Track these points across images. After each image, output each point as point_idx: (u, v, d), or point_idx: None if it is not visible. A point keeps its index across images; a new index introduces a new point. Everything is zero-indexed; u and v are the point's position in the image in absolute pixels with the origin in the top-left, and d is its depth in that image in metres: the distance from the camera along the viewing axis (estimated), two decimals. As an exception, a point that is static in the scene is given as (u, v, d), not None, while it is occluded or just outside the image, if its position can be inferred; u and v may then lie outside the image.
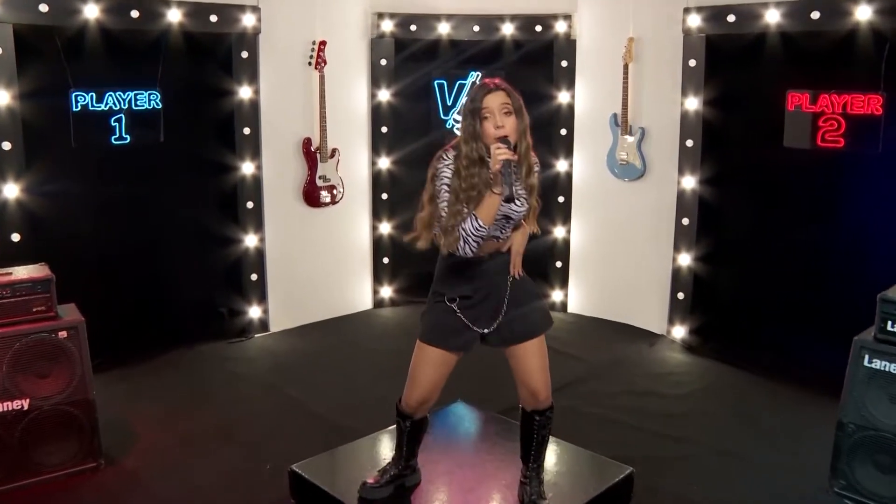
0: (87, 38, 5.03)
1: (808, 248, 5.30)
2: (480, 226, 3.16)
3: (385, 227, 6.38)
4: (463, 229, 3.19)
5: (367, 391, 5.02)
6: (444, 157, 3.32)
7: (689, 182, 5.58)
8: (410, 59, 6.32)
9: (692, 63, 5.45)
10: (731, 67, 5.45)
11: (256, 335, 5.84)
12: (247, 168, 5.64)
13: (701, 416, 4.75)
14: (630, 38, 5.74)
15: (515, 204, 3.20)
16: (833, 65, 5.03)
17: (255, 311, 5.84)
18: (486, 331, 3.43)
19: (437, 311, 3.46)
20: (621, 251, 6.13)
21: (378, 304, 6.51)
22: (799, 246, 5.32)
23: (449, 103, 6.41)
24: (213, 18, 5.33)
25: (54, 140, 5.10)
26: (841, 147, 4.98)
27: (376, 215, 6.36)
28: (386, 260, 6.44)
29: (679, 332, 5.79)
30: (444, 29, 6.17)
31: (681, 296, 5.75)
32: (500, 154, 3.13)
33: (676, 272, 5.74)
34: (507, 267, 3.46)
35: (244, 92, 5.54)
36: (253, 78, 5.55)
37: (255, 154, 5.64)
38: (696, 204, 5.57)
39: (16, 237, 4.83)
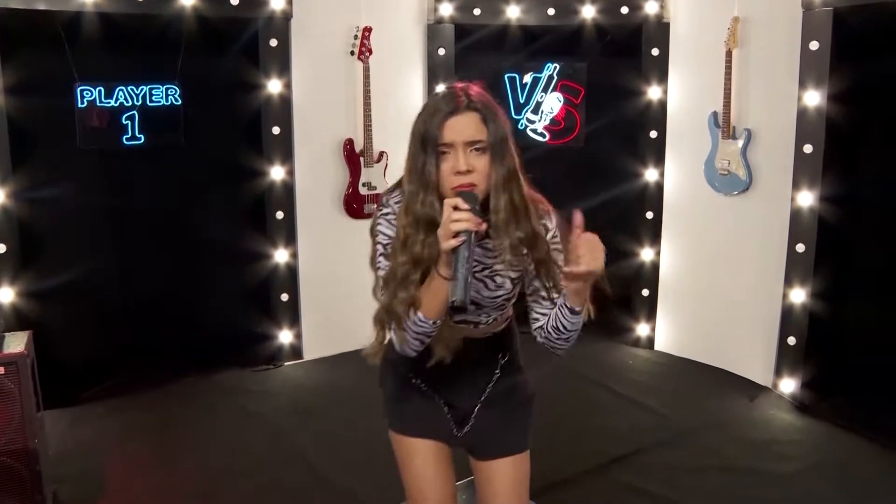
0: (92, 24, 4.23)
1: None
2: (421, 320, 2.07)
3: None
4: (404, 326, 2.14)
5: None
6: (384, 204, 2.28)
7: (807, 198, 4.24)
8: (473, 49, 5.20)
9: (814, 46, 4.11)
10: (867, 50, 4.09)
11: (286, 363, 4.91)
12: (276, 173, 4.71)
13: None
14: (735, 18, 4.44)
15: (469, 308, 2.06)
16: None
17: (285, 336, 4.91)
18: (457, 429, 2.39)
19: (391, 380, 2.48)
20: (720, 280, 4.83)
21: (433, 330, 5.52)
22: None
23: (521, 100, 5.30)
24: (234, 1, 4.42)
25: (53, 140, 4.36)
26: None
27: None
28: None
29: (788, 385, 4.45)
30: (512, 13, 5.05)
31: (792, 340, 4.41)
32: (456, 222, 1.93)
33: (787, 311, 4.40)
34: (499, 349, 2.37)
35: (273, 86, 4.62)
36: (283, 70, 4.63)
37: (287, 157, 4.72)
38: (814, 226, 4.22)
39: (0, 248, 4.09)
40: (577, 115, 5.25)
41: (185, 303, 4.87)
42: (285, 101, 4.68)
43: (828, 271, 4.29)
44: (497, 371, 2.36)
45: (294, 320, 4.93)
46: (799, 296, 4.34)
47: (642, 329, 5.21)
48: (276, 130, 4.67)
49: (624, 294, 5.25)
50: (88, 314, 4.57)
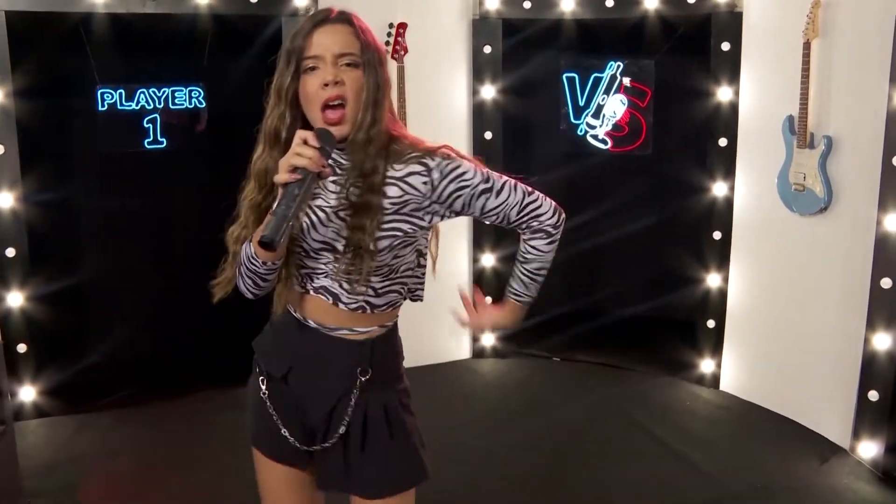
0: (109, 26, 3.97)
1: None
2: (254, 256, 1.75)
3: (488, 259, 4.67)
4: (243, 252, 1.83)
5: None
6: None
7: None
8: (523, 46, 4.57)
9: (906, 33, 3.29)
10: None
11: None
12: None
13: None
14: (815, 2, 3.59)
15: (301, 225, 1.76)
16: None
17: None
18: (303, 447, 1.90)
19: (252, 382, 2.01)
20: (794, 315, 3.92)
21: (478, 353, 4.79)
22: None
23: (581, 103, 4.63)
24: (254, -1, 4.15)
25: (69, 143, 4.19)
26: None
27: (478, 244, 4.67)
28: (489, 300, 4.80)
29: (869, 449, 3.51)
30: (567, 5, 4.35)
31: (874, 395, 3.46)
32: (297, 156, 1.65)
33: (869, 359, 3.47)
34: (360, 361, 1.85)
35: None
36: (310, 71, 4.32)
37: None
38: (903, 256, 3.42)
39: (10, 252, 3.85)
40: (642, 119, 4.50)
41: (201, 312, 4.50)
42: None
43: (920, 313, 3.39)
44: (355, 390, 1.84)
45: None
46: (884, 341, 3.40)
47: (707, 365, 4.33)
48: (301, 135, 4.28)
49: (688, 324, 4.46)
50: (100, 320, 4.34)
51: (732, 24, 4.04)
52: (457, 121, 4.55)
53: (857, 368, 3.52)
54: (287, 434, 1.88)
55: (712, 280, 4.26)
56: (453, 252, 4.67)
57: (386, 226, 1.77)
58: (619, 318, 4.89)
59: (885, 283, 3.38)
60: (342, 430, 1.85)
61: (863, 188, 3.48)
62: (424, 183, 1.78)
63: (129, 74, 4.19)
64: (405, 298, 1.96)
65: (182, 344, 4.56)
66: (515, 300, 2.11)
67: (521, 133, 4.76)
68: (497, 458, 3.66)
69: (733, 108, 4.09)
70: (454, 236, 4.66)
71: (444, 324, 4.72)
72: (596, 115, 4.58)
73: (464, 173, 1.83)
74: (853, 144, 3.54)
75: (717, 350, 4.30)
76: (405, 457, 1.93)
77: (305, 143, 1.67)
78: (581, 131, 4.61)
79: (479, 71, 4.49)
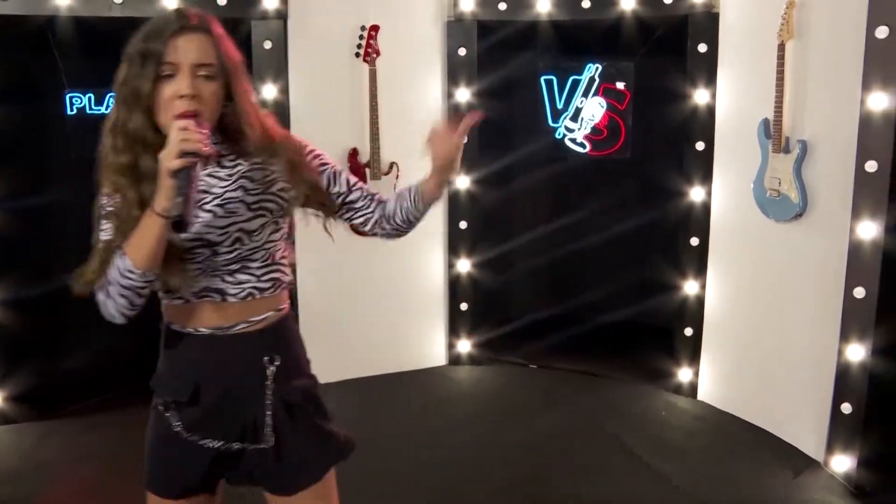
0: (73, 30, 3.89)
1: None
2: (130, 269, 1.67)
3: (464, 265, 4.57)
4: (109, 274, 1.72)
5: (388, 486, 3.43)
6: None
7: (869, 230, 3.18)
8: (499, 48, 4.46)
9: (881, 33, 3.05)
10: None
11: None
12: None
13: None
14: (791, 3, 3.44)
15: (192, 231, 1.72)
16: None
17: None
18: (242, 446, 1.86)
19: (152, 424, 1.92)
20: (770, 325, 3.79)
21: (454, 360, 4.69)
22: None
23: (560, 106, 4.52)
24: (222, 1, 3.93)
25: (38, 148, 4.12)
26: None
27: (453, 249, 4.57)
28: (465, 306, 4.61)
29: (842, 463, 3.38)
30: (543, 6, 4.23)
31: (847, 408, 3.33)
32: (185, 141, 1.61)
33: (843, 371, 3.34)
34: (265, 350, 1.85)
35: (268, 91, 4.07)
36: (279, 74, 4.07)
37: None
38: (877, 265, 3.18)
39: None
40: (621, 122, 4.39)
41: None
42: (281, 108, 4.12)
43: (894, 323, 3.23)
44: (268, 382, 1.82)
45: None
46: (857, 353, 3.27)
47: (684, 374, 4.21)
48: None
49: (665, 332, 4.34)
50: (71, 326, 4.22)
51: (709, 25, 3.92)
52: (430, 124, 4.41)
53: (832, 380, 3.39)
54: (215, 444, 1.81)
55: (690, 287, 4.14)
56: (428, 258, 4.58)
57: (256, 205, 1.81)
58: (596, 325, 4.78)
59: (859, 292, 3.25)
60: (268, 428, 1.81)
61: (837, 194, 3.34)
62: (286, 161, 1.87)
63: (99, 78, 4.11)
64: (287, 287, 1.94)
65: (152, 350, 4.48)
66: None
67: (498, 137, 4.63)
68: (466, 469, 3.57)
69: (710, 111, 3.97)
70: (429, 242, 4.56)
71: (420, 330, 4.69)
72: (574, 118, 4.46)
73: (322, 153, 2.04)
74: (828, 149, 3.40)
75: (694, 359, 4.18)
76: (328, 429, 1.94)
77: (185, 129, 1.63)
78: (560, 135, 4.50)
79: (453, 73, 4.38)
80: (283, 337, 1.90)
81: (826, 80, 3.42)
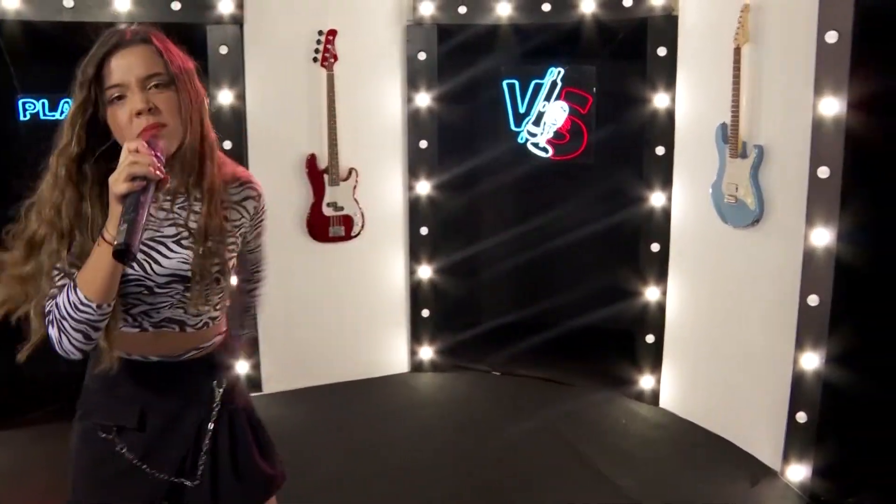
0: (24, 34, 3.83)
1: None
2: (84, 301, 1.55)
3: (425, 271, 4.50)
4: (57, 306, 1.61)
5: (347, 493, 3.37)
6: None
7: (822, 237, 3.13)
8: (460, 52, 4.38)
9: (831, 38, 3.01)
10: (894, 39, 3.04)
11: None
12: (231, 191, 4.26)
13: None
14: (745, 6, 3.42)
15: (136, 263, 1.63)
16: None
17: (242, 367, 4.37)
18: (180, 480, 1.79)
19: (81, 447, 1.83)
20: (730, 332, 3.73)
21: (416, 367, 4.63)
22: None
23: (522, 110, 4.47)
24: (176, 6, 3.88)
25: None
26: None
27: (414, 255, 4.50)
28: (426, 312, 4.55)
29: (797, 472, 3.32)
30: (503, 10, 4.16)
31: (802, 417, 3.27)
32: (135, 164, 1.49)
33: (798, 380, 3.28)
34: (212, 374, 1.83)
35: (224, 97, 4.02)
36: (236, 79, 4.02)
37: None
38: (830, 272, 3.14)
39: None
40: (584, 126, 4.35)
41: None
42: (237, 113, 4.06)
43: (848, 330, 3.15)
44: (215, 405, 1.81)
45: (252, 350, 4.30)
46: (811, 361, 3.22)
47: (646, 381, 4.16)
48: (227, 145, 4.05)
49: (628, 339, 4.27)
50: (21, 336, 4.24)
51: (668, 28, 3.87)
52: (390, 129, 4.39)
53: (788, 389, 3.34)
54: (159, 474, 1.76)
55: (651, 293, 4.09)
56: (389, 264, 4.51)
57: (231, 248, 1.79)
58: (559, 332, 4.71)
59: (813, 300, 3.19)
60: (202, 463, 1.78)
61: (793, 201, 3.28)
62: (255, 207, 1.81)
63: (53, 84, 4.07)
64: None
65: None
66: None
67: (459, 141, 4.58)
68: (424, 479, 3.53)
69: (670, 115, 3.92)
70: (390, 248, 4.50)
71: (382, 337, 4.63)
72: (537, 122, 4.42)
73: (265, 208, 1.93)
74: (783, 154, 3.35)
75: (656, 366, 4.12)
76: (272, 458, 1.94)
77: (136, 152, 1.53)
78: (522, 139, 4.45)
79: (413, 78, 4.32)
80: (227, 359, 1.88)
81: (780, 84, 3.37)
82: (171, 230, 1.68)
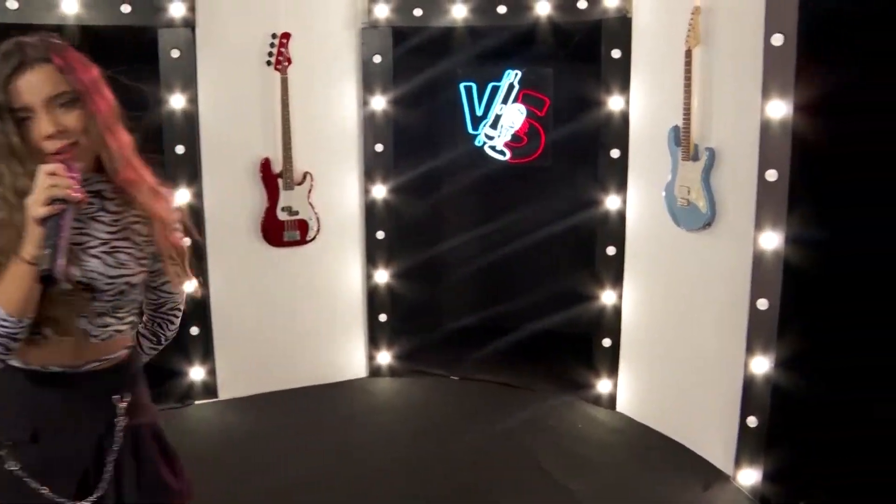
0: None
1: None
2: (3, 316, 1.54)
3: (382, 276, 4.45)
4: None
5: (303, 500, 3.32)
6: None
7: (771, 240, 3.10)
8: (415, 55, 4.34)
9: (777, 40, 2.99)
10: (856, 43, 2.90)
11: (198, 402, 4.20)
12: (182, 196, 4.06)
13: None
14: (696, 9, 3.39)
15: (63, 281, 1.53)
16: None
17: (197, 373, 4.22)
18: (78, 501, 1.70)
19: None
20: (684, 336, 3.70)
21: (374, 372, 4.57)
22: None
23: (479, 113, 4.41)
24: (126, 9, 3.80)
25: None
26: None
27: (371, 259, 4.45)
28: (384, 317, 4.50)
29: (748, 476, 3.29)
30: (458, 13, 4.11)
31: (753, 421, 3.25)
32: (53, 187, 1.50)
33: (748, 384, 3.26)
34: (115, 387, 1.75)
35: (176, 101, 3.95)
36: (188, 83, 3.95)
37: (193, 179, 4.02)
38: (779, 276, 3.12)
39: None
40: (541, 129, 4.30)
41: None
42: (190, 118, 4.00)
43: (797, 334, 3.12)
44: (117, 419, 1.74)
45: (206, 356, 4.23)
46: (761, 365, 3.19)
47: (604, 386, 4.12)
48: (179, 149, 4.00)
49: (586, 343, 4.22)
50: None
51: (622, 30, 3.84)
52: (346, 133, 4.32)
53: (739, 393, 3.32)
54: (58, 498, 1.67)
55: (607, 297, 4.05)
56: (346, 268, 4.45)
57: (143, 262, 1.74)
58: (518, 336, 4.66)
59: (762, 304, 3.17)
60: (105, 481, 1.70)
61: (743, 204, 3.25)
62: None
63: None
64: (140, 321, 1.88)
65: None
66: None
67: (416, 145, 4.52)
68: (379, 485, 3.48)
69: (624, 117, 3.89)
70: (346, 252, 4.43)
71: (340, 342, 4.58)
72: (494, 125, 4.35)
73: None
74: (734, 157, 3.31)
75: (613, 370, 4.09)
76: (179, 474, 1.87)
77: (54, 174, 1.52)
78: (479, 142, 4.39)
79: (368, 81, 4.26)
80: (131, 373, 1.82)
81: (731, 87, 3.34)
82: (81, 238, 1.63)
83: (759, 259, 3.17)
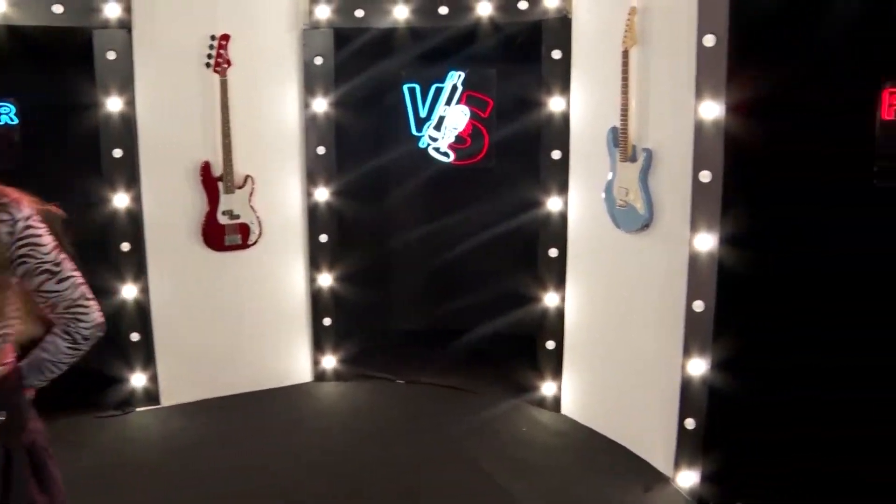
0: None
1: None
2: None
3: (326, 279, 4.38)
4: None
5: None
6: None
7: (706, 241, 3.08)
8: (358, 56, 4.25)
9: (709, 41, 2.96)
10: (787, 43, 2.92)
11: (140, 409, 4.09)
12: (120, 200, 3.93)
13: None
14: (632, 9, 3.36)
15: None
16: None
17: (138, 379, 4.12)
18: None
19: None
20: (623, 338, 3.67)
21: (319, 376, 4.49)
22: None
23: (423, 115, 4.36)
24: (58, 9, 3.69)
25: None
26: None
27: (314, 263, 4.37)
28: (328, 321, 4.42)
29: (687, 478, 3.26)
30: (400, 14, 4.06)
31: (690, 423, 3.21)
32: None
33: (686, 386, 3.23)
34: None
35: (112, 104, 3.85)
36: (125, 86, 3.85)
37: (132, 183, 3.93)
38: (714, 277, 3.11)
39: None
40: (485, 130, 4.25)
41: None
42: (127, 121, 3.90)
43: (732, 335, 3.08)
44: None
45: (148, 362, 4.13)
46: (698, 367, 3.16)
47: (548, 388, 4.07)
48: (117, 153, 3.90)
49: (531, 345, 4.17)
50: None
51: (562, 31, 3.79)
52: (287, 136, 4.24)
53: (677, 394, 3.29)
54: None
55: (550, 299, 4.01)
56: (289, 272, 4.37)
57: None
58: (463, 339, 4.60)
59: (698, 305, 3.14)
60: None
61: (680, 205, 3.22)
62: (9, 233, 1.67)
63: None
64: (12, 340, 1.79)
65: None
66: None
67: (358, 147, 4.45)
68: (316, 492, 3.38)
69: (565, 118, 3.84)
70: (289, 256, 4.35)
71: (284, 347, 4.49)
72: (438, 126, 4.30)
73: (39, 245, 1.73)
74: (670, 158, 3.28)
75: (557, 372, 4.04)
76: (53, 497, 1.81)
77: None
78: (423, 144, 4.33)
79: (310, 83, 4.18)
80: (9, 390, 1.74)
81: (667, 87, 3.31)
82: None
83: (694, 261, 3.14)
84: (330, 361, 4.46)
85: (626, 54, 3.36)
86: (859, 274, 2.94)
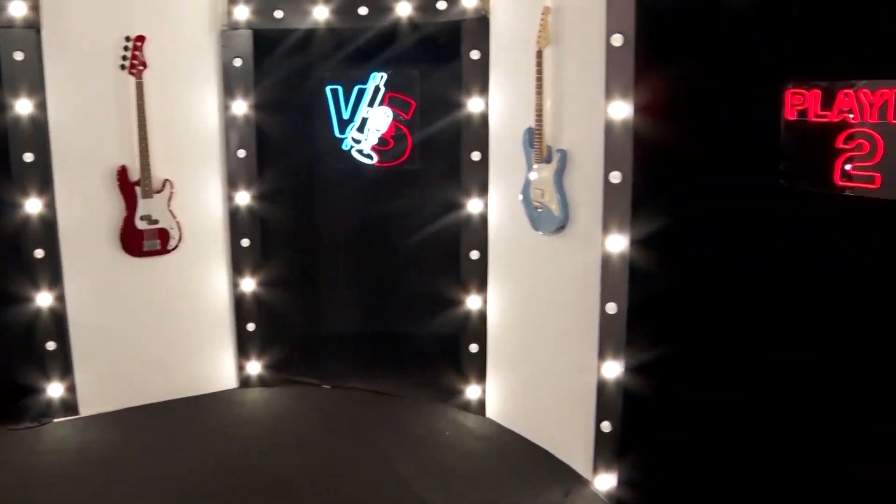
0: None
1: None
2: None
3: (248, 284, 4.26)
4: None
5: None
6: None
7: (617, 243, 3.04)
8: (278, 58, 4.14)
9: (617, 41, 2.91)
10: (694, 43, 2.81)
11: (57, 420, 3.94)
12: (32, 206, 3.78)
13: None
14: (546, 9, 3.29)
15: None
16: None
17: (55, 389, 3.96)
18: None
19: None
20: (542, 341, 3.61)
21: (244, 382, 4.37)
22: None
23: (346, 116, 4.25)
24: (-43, 8, 3.68)
25: None
26: (877, 188, 2.48)
27: (236, 268, 4.25)
28: (252, 326, 4.30)
29: (605, 482, 3.22)
30: (320, 14, 3.96)
31: (607, 426, 3.17)
32: None
33: (601, 389, 3.18)
34: None
35: (22, 106, 3.69)
36: (35, 88, 3.69)
37: (44, 188, 3.77)
38: (625, 279, 3.07)
39: None
40: (407, 132, 4.17)
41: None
42: (38, 124, 3.74)
43: (644, 338, 3.04)
44: None
45: (65, 372, 3.97)
46: (613, 370, 3.12)
47: (472, 392, 4.00)
48: (28, 157, 3.74)
49: (455, 348, 4.09)
50: None
51: (480, 31, 3.71)
52: (207, 139, 4.12)
53: (593, 397, 3.23)
54: None
55: (472, 302, 3.93)
56: (211, 276, 4.24)
57: None
58: (389, 343, 4.54)
59: (611, 308, 3.08)
60: None
61: (593, 207, 3.16)
62: None
63: None
64: None
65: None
66: None
67: (280, 149, 4.31)
68: (240, 500, 3.28)
69: (484, 119, 3.77)
70: (211, 261, 4.23)
71: (208, 353, 4.36)
72: (361, 128, 4.20)
73: None
74: (583, 159, 3.22)
75: (481, 375, 3.97)
76: None
77: None
78: (346, 146, 4.22)
79: (229, 85, 4.05)
80: None
81: (578, 88, 3.25)
82: None
83: (606, 262, 3.09)
84: (255, 367, 4.33)
85: (540, 54, 3.29)
86: (767, 272, 2.90)
